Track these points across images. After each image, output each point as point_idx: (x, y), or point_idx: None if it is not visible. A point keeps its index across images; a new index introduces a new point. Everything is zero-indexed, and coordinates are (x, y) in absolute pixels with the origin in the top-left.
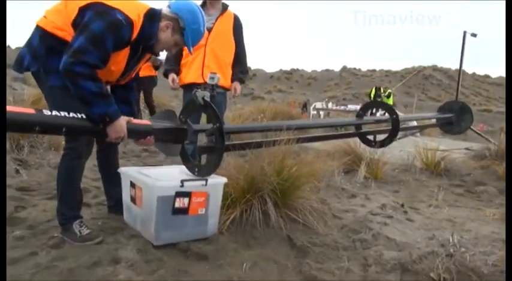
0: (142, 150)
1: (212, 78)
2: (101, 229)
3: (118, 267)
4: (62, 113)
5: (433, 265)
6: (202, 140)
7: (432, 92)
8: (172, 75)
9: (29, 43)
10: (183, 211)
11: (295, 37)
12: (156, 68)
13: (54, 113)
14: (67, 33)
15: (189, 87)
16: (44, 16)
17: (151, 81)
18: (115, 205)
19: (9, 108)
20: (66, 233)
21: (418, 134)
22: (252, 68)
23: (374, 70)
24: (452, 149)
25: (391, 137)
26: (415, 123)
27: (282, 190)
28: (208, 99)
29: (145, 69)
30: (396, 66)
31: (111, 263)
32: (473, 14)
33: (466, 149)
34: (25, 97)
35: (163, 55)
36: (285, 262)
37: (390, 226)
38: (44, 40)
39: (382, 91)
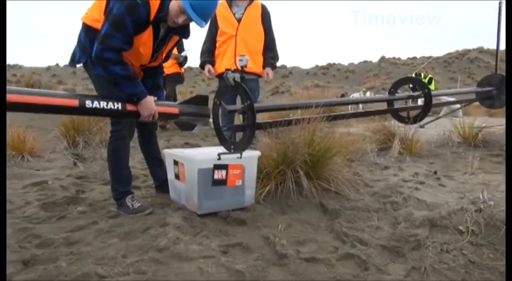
0: (184, 144)
1: (241, 60)
2: (150, 204)
3: (167, 229)
4: (101, 105)
5: (462, 219)
6: None
7: (479, 76)
8: (208, 66)
9: (78, 39)
10: (222, 182)
11: (329, 32)
12: (180, 64)
13: (95, 105)
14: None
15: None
16: (86, 12)
17: (178, 78)
18: (161, 184)
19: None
20: (120, 207)
21: (461, 114)
22: (288, 65)
23: (415, 58)
24: (493, 125)
25: (425, 112)
26: (451, 99)
27: (313, 161)
28: (238, 79)
29: (170, 67)
30: (438, 51)
31: (161, 227)
32: None
33: None
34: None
35: (186, 51)
36: (317, 223)
37: (422, 190)
38: (87, 34)
39: (422, 77)
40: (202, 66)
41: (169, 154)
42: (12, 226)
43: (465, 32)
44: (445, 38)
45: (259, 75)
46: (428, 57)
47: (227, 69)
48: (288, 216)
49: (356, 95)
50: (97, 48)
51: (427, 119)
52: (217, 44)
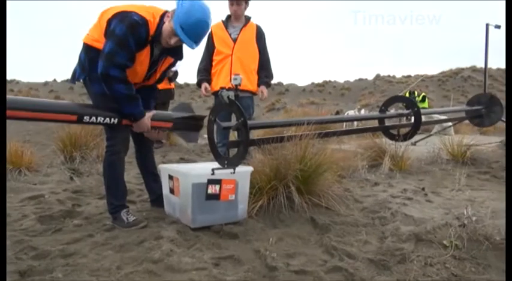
0: (179, 159)
1: (235, 79)
2: (145, 218)
3: (161, 242)
4: (98, 120)
5: (446, 234)
6: None
7: (472, 94)
8: (204, 84)
9: (79, 58)
10: (215, 196)
11: (325, 50)
12: (170, 79)
13: (92, 120)
14: (102, 44)
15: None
16: (87, 33)
17: (168, 93)
18: (156, 199)
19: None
20: (115, 221)
21: (452, 131)
22: (284, 83)
23: (409, 76)
24: (482, 143)
25: (414, 130)
26: (442, 118)
27: (304, 176)
28: (232, 97)
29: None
30: (432, 70)
31: (155, 240)
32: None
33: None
34: None
35: (176, 66)
36: (308, 237)
37: (409, 206)
38: (87, 53)
39: (416, 95)
40: (199, 84)
41: (165, 169)
42: (10, 238)
43: (458, 51)
44: (439, 56)
45: (254, 93)
46: (423, 76)
47: (222, 88)
48: (279, 230)
49: (351, 113)
50: (103, 66)
51: (418, 137)
52: (213, 63)
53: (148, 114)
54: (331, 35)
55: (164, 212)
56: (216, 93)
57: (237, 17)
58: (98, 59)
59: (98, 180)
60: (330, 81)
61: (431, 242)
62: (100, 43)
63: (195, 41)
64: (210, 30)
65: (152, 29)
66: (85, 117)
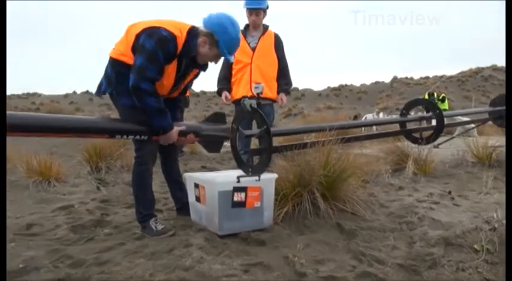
0: (201, 167)
1: (257, 87)
2: (172, 226)
3: (190, 249)
4: (129, 138)
5: (477, 238)
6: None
7: (494, 94)
8: (225, 93)
9: (105, 71)
10: (241, 204)
11: (340, 53)
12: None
13: (123, 137)
14: (129, 58)
15: (240, 102)
16: (113, 48)
17: (184, 102)
18: (182, 207)
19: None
20: (144, 230)
21: (475, 133)
22: (300, 88)
23: (427, 77)
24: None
25: (437, 133)
26: (465, 119)
27: (328, 182)
28: (255, 106)
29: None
30: (451, 70)
31: (185, 248)
32: None
33: None
34: None
35: None
36: (335, 243)
37: (436, 210)
38: (114, 67)
39: (435, 96)
40: (219, 93)
41: (190, 177)
42: (45, 247)
43: (478, 50)
44: (457, 56)
45: (274, 101)
46: (441, 77)
47: (244, 96)
48: (305, 236)
49: (369, 116)
50: (134, 80)
51: (441, 140)
52: (233, 72)
53: (177, 128)
54: (345, 37)
55: (190, 220)
56: (236, 102)
57: (255, 27)
58: (125, 72)
59: (123, 189)
60: (346, 85)
61: (462, 247)
62: (126, 57)
63: (232, 54)
64: None
65: (180, 44)
66: (117, 136)
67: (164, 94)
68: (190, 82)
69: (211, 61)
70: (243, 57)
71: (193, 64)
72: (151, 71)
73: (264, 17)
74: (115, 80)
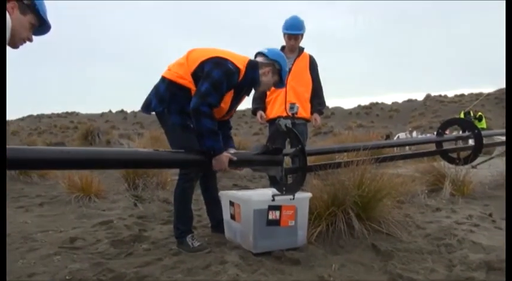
0: (232, 185)
1: (292, 107)
2: (207, 243)
3: (226, 266)
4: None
5: None
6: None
7: None
8: (260, 113)
9: (156, 90)
10: (276, 222)
11: (371, 72)
12: None
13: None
14: (187, 81)
15: (274, 121)
16: (168, 69)
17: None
18: (217, 224)
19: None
20: (181, 245)
21: None
22: (330, 106)
23: (462, 95)
24: None
25: (475, 153)
26: (504, 139)
27: (363, 202)
28: (290, 126)
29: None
30: (488, 87)
31: (221, 264)
32: None
33: None
34: None
35: None
36: (371, 264)
37: (476, 232)
38: (168, 87)
39: (471, 115)
40: (254, 112)
41: (226, 195)
42: (88, 261)
43: None
44: (494, 72)
45: (307, 120)
46: (477, 94)
47: (279, 116)
48: (340, 256)
49: (402, 135)
50: (196, 102)
51: (479, 160)
52: (268, 92)
53: (226, 154)
54: (377, 54)
55: (224, 237)
56: (271, 121)
57: (292, 50)
58: (180, 93)
59: (159, 206)
60: (377, 103)
61: (504, 271)
62: (185, 80)
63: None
64: None
65: (241, 76)
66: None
67: (219, 117)
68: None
69: (269, 89)
70: None
71: (247, 91)
72: (213, 98)
73: (301, 40)
74: (169, 99)
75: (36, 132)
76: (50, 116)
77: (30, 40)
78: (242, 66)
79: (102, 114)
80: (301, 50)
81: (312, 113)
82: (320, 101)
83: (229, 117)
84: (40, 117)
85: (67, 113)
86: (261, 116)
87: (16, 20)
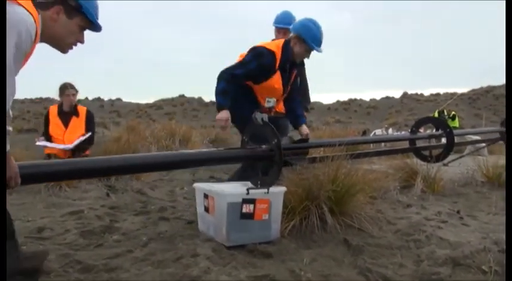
0: (209, 177)
1: (269, 101)
2: (180, 235)
3: (198, 259)
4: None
5: (485, 259)
6: None
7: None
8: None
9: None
10: (249, 216)
11: (350, 68)
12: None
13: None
14: None
15: None
16: None
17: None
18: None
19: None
20: None
21: (486, 152)
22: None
23: (438, 94)
24: None
25: (447, 151)
26: (476, 138)
27: (337, 197)
28: (266, 120)
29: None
30: (462, 88)
31: (192, 257)
32: None
33: None
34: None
35: (75, 142)
36: (342, 258)
37: (444, 229)
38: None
39: (445, 113)
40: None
41: (200, 188)
42: (55, 252)
43: (489, 68)
44: (468, 74)
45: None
46: (452, 94)
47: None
48: (312, 251)
49: (378, 132)
50: (223, 70)
51: (450, 158)
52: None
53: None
54: (355, 51)
55: (197, 229)
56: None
57: None
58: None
59: (132, 197)
60: (355, 99)
61: (470, 267)
62: None
63: (319, 46)
64: None
65: (278, 57)
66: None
67: (279, 96)
68: (295, 82)
69: (304, 56)
70: None
71: (292, 66)
72: (238, 70)
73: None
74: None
75: None
76: (22, 101)
77: (82, 42)
78: (276, 48)
79: (79, 101)
80: None
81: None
82: (306, 98)
83: (292, 95)
84: (12, 102)
85: (41, 98)
86: None
87: (62, 26)
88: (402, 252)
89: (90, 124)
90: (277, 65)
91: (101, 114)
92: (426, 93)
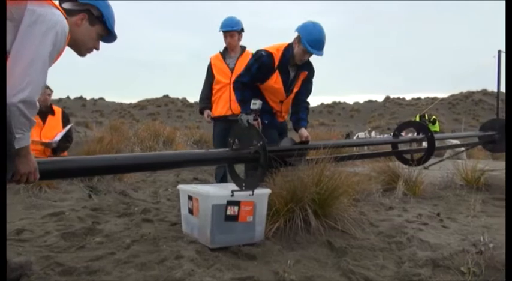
0: (193, 179)
1: (255, 103)
2: (163, 237)
3: (182, 261)
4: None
5: (464, 261)
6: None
7: (484, 118)
8: (207, 112)
9: None
10: (234, 218)
11: (335, 72)
12: (54, 150)
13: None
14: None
15: (218, 119)
16: None
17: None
18: None
19: None
20: None
21: (465, 156)
22: None
23: (419, 98)
24: (495, 169)
25: (428, 155)
26: (455, 142)
27: (320, 199)
28: (252, 122)
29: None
30: (443, 93)
31: (176, 259)
32: None
33: None
34: (86, 139)
35: (58, 136)
36: (325, 260)
37: (425, 231)
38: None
39: (426, 118)
40: (201, 111)
41: (184, 190)
42: (36, 254)
43: (469, 74)
44: (449, 79)
45: None
46: (433, 99)
47: (224, 115)
48: (296, 252)
49: (361, 135)
50: (234, 79)
51: (431, 161)
52: (213, 92)
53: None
54: (341, 54)
55: (181, 231)
56: (215, 119)
57: (232, 48)
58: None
59: (115, 198)
60: (339, 102)
61: (449, 269)
62: None
63: (321, 49)
64: (209, 62)
65: (277, 59)
66: None
67: (282, 98)
68: (307, 86)
69: (303, 58)
70: (222, 77)
71: (301, 68)
72: (243, 77)
73: (239, 39)
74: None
75: None
76: None
77: (97, 49)
78: (275, 50)
79: (60, 100)
80: (244, 48)
81: None
82: None
83: (298, 99)
84: None
85: None
86: (208, 115)
87: (84, 31)
88: (384, 254)
89: (67, 123)
90: (275, 65)
91: (83, 113)
92: (408, 97)
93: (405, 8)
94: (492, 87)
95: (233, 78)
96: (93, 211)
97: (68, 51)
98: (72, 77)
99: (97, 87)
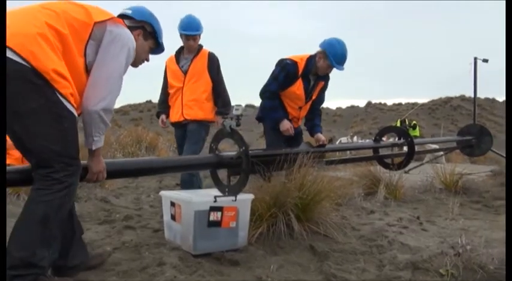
0: (175, 185)
1: (237, 109)
2: (146, 244)
3: (164, 268)
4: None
5: (442, 263)
6: None
7: (462, 123)
8: (162, 117)
9: None
10: (217, 223)
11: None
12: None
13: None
14: None
15: (174, 125)
16: None
17: None
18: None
19: None
20: None
21: (444, 160)
22: None
23: (400, 104)
24: (473, 172)
25: (408, 159)
26: (435, 147)
27: (303, 204)
28: (234, 127)
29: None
30: (422, 98)
31: (158, 266)
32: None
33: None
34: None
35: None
36: (307, 264)
37: (405, 234)
38: None
39: (407, 123)
40: (157, 116)
41: (167, 196)
42: None
43: (447, 80)
44: (428, 85)
45: (208, 121)
46: (413, 104)
47: (176, 121)
48: (279, 257)
49: (344, 139)
50: (262, 89)
51: (411, 165)
52: (169, 96)
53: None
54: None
55: (164, 238)
56: (172, 125)
57: (188, 49)
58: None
59: (96, 205)
60: (322, 107)
61: (428, 271)
62: None
63: (343, 65)
64: (164, 65)
65: (301, 66)
66: None
67: (301, 104)
68: (321, 95)
69: (327, 71)
70: (175, 81)
71: (318, 78)
72: (272, 86)
73: (199, 40)
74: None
75: None
76: None
77: (148, 60)
78: (300, 60)
79: None
80: (200, 47)
81: (216, 114)
82: (224, 102)
83: (314, 107)
84: None
85: None
86: (162, 120)
87: (139, 46)
88: (365, 257)
89: None
90: (299, 73)
91: None
92: (389, 102)
93: (387, 14)
94: (469, 93)
95: (186, 82)
96: None
97: None
98: None
99: None
